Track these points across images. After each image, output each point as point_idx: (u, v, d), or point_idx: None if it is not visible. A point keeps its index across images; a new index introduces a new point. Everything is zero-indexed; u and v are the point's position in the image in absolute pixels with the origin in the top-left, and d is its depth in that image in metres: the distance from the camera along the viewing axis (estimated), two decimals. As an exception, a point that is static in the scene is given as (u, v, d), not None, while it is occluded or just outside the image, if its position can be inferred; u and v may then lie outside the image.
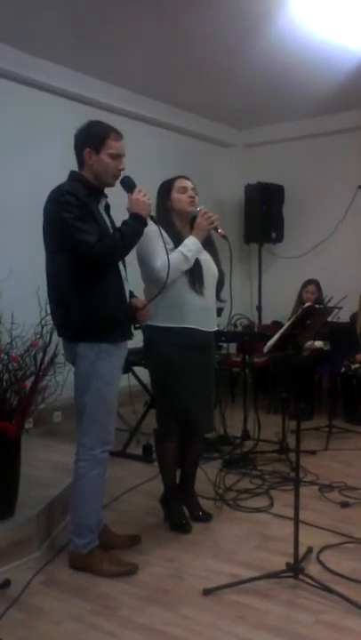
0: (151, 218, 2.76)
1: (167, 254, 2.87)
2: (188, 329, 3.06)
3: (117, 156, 2.70)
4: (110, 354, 2.71)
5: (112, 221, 2.82)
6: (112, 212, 2.86)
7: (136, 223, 2.70)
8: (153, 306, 2.92)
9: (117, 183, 2.75)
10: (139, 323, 2.97)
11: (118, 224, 2.77)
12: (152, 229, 2.81)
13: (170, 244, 2.98)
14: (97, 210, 2.70)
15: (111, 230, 2.74)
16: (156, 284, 2.94)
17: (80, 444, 2.77)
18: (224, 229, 3.11)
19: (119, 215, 2.81)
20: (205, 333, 3.13)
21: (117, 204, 2.87)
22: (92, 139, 2.68)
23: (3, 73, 4.67)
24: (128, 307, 2.81)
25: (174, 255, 2.95)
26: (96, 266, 2.63)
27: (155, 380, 3.22)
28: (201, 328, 3.09)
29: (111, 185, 2.75)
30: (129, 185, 2.74)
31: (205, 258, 3.16)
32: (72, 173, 2.76)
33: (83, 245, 2.56)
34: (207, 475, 3.80)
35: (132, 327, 2.88)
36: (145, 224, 2.73)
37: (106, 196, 2.80)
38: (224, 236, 3.08)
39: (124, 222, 2.70)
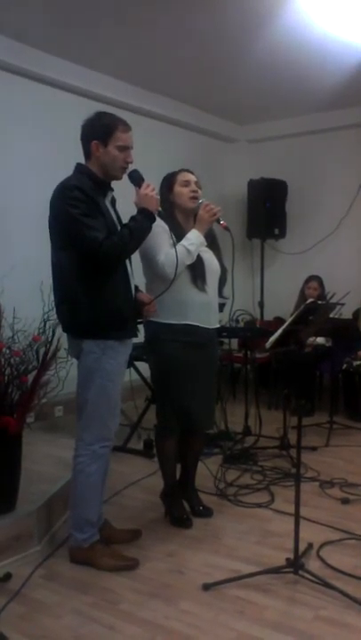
0: (159, 213, 2.73)
1: (175, 249, 2.86)
2: (189, 326, 3.04)
3: (125, 149, 2.66)
4: (116, 351, 2.70)
5: (118, 215, 2.79)
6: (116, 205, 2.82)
7: (145, 219, 2.66)
8: (156, 302, 2.90)
9: (124, 176, 2.71)
10: (144, 318, 2.96)
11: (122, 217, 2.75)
12: (158, 224, 2.79)
13: (173, 239, 2.96)
14: (104, 204, 2.67)
15: (117, 225, 2.71)
16: (161, 279, 2.92)
17: (79, 439, 2.76)
18: (226, 223, 3.09)
19: (123, 208, 2.79)
20: (207, 330, 3.12)
21: (120, 197, 2.84)
22: (100, 130, 2.64)
23: (10, 67, 4.66)
24: (134, 302, 2.79)
25: (177, 249, 2.93)
26: (104, 263, 2.59)
27: (156, 376, 3.22)
28: (203, 325, 3.08)
29: (119, 178, 2.71)
30: (137, 179, 2.70)
31: (208, 254, 3.15)
32: (78, 166, 2.71)
33: (91, 242, 2.53)
34: (208, 468, 3.80)
35: (138, 322, 2.86)
36: (153, 219, 2.70)
37: (112, 190, 2.77)
38: (226, 228, 3.05)
39: (133, 218, 2.66)
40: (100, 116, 2.70)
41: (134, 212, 2.71)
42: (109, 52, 4.84)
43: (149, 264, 3.02)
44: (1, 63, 4.60)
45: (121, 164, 2.67)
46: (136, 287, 2.85)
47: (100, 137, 2.64)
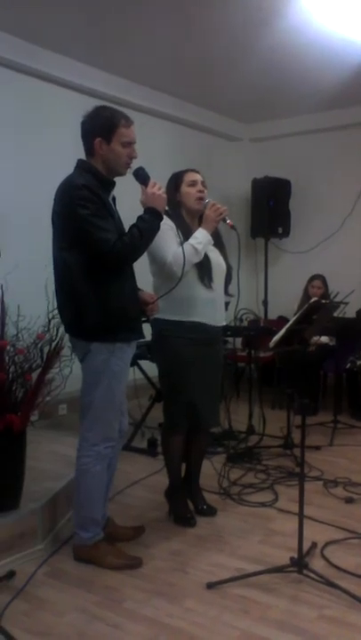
0: (166, 212, 2.69)
1: (183, 248, 2.85)
2: (196, 323, 3.05)
3: (129, 144, 2.61)
4: (123, 351, 2.68)
5: (118, 214, 2.75)
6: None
7: (153, 218, 2.61)
8: (162, 299, 2.89)
9: (128, 173, 2.67)
10: (147, 317, 2.95)
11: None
12: (165, 222, 2.76)
13: (180, 238, 2.95)
14: (109, 203, 2.62)
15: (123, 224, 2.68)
16: (168, 278, 2.92)
17: (83, 440, 2.74)
18: (232, 222, 3.09)
19: (125, 205, 2.78)
20: (214, 328, 3.13)
21: (120, 195, 2.81)
22: (102, 127, 2.57)
23: (12, 65, 4.68)
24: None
25: (184, 248, 2.91)
26: (115, 264, 2.56)
27: (163, 373, 3.21)
28: (209, 322, 3.09)
29: (123, 174, 2.66)
30: (143, 177, 2.64)
31: (214, 252, 3.15)
32: (82, 163, 2.65)
33: (103, 244, 2.48)
34: (213, 465, 3.81)
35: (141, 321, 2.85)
36: (161, 219, 2.65)
37: (114, 187, 2.72)
38: (233, 227, 3.05)
39: (141, 218, 2.61)
40: (99, 111, 2.63)
41: (134, 208, 2.68)
42: (113, 50, 4.84)
43: (156, 262, 3.02)
44: (2, 60, 4.61)
45: (125, 161, 2.62)
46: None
47: (102, 134, 2.57)
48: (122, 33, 4.51)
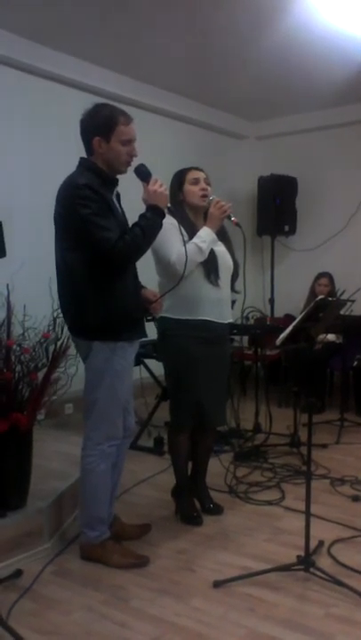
0: (168, 209, 2.67)
1: (185, 247, 2.84)
2: (203, 321, 3.04)
3: (129, 142, 2.59)
4: (125, 350, 2.67)
5: (122, 210, 2.74)
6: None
7: (155, 216, 2.59)
8: (168, 297, 2.89)
9: (129, 170, 2.65)
10: (151, 316, 2.94)
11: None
12: (168, 221, 2.76)
13: (184, 237, 2.94)
14: (112, 201, 2.61)
15: (127, 222, 2.68)
16: (173, 278, 2.91)
17: (87, 439, 2.74)
18: (237, 219, 3.08)
19: (125, 202, 2.78)
20: (221, 325, 3.12)
21: (124, 192, 2.81)
22: (101, 126, 2.55)
23: (17, 65, 4.68)
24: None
25: (188, 247, 2.90)
26: (117, 263, 2.54)
27: (169, 371, 3.21)
28: (216, 320, 3.08)
29: (123, 172, 2.64)
30: (144, 174, 2.62)
31: (220, 249, 3.14)
32: (84, 162, 2.64)
33: (105, 243, 2.46)
34: (222, 462, 3.80)
35: (145, 320, 2.85)
36: (163, 216, 2.64)
37: (117, 185, 2.71)
38: (237, 224, 3.03)
39: (143, 216, 2.59)
40: (98, 108, 2.61)
41: (135, 204, 2.67)
42: (117, 48, 4.83)
43: (161, 262, 3.02)
44: (9, 60, 4.61)
45: (125, 159, 2.60)
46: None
47: (101, 132, 2.55)
48: (127, 32, 4.50)
